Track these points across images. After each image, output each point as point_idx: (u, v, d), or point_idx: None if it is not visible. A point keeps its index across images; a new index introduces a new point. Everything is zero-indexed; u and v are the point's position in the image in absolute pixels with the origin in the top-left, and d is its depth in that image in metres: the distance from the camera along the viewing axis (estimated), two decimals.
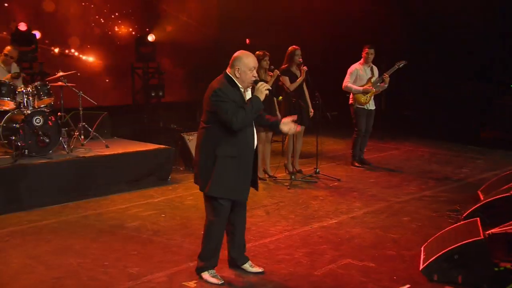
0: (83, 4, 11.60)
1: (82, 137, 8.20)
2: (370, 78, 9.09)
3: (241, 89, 4.42)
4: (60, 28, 11.16)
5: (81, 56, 11.48)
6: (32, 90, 7.52)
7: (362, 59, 9.14)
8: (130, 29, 12.33)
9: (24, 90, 7.44)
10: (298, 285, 4.51)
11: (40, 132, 7.30)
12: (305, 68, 8.31)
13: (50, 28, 10.96)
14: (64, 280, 4.57)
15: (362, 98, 9.06)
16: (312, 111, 8.56)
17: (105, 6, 11.91)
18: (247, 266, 4.75)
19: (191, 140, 9.05)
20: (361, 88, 8.97)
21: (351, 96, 9.18)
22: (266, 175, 8.41)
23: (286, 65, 8.44)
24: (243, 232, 4.76)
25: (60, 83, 8.16)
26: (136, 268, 4.82)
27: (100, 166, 7.54)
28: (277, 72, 8.03)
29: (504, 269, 4.64)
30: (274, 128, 4.77)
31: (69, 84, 8.14)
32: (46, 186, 6.99)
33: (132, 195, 7.40)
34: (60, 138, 7.59)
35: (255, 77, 4.39)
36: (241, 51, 4.49)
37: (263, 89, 4.35)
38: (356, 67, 9.11)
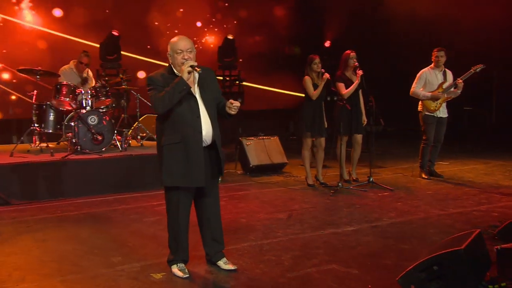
0: (168, 14, 12.15)
1: (139, 137, 8.55)
2: (442, 83, 8.45)
3: (178, 74, 4.24)
4: (145, 36, 11.80)
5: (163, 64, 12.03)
6: (91, 92, 8.02)
7: (432, 63, 8.54)
8: (213, 38, 12.69)
9: (83, 92, 7.96)
10: (261, 285, 4.30)
11: (93, 131, 7.75)
12: (360, 72, 7.95)
13: (135, 36, 11.63)
14: (49, 263, 4.77)
15: (432, 105, 8.45)
16: (365, 120, 8.19)
17: (190, 16, 12.37)
18: (221, 263, 4.61)
19: (249, 145, 9.08)
20: (429, 94, 8.37)
21: (420, 102, 8.61)
22: (317, 182, 8.16)
23: (340, 71, 8.16)
24: (215, 228, 4.61)
25: (122, 86, 8.61)
26: (119, 257, 4.90)
27: (148, 165, 7.80)
28: (327, 75, 7.77)
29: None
30: (224, 114, 4.44)
31: (129, 87, 8.55)
32: (93, 180, 7.39)
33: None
34: (114, 137, 7.99)
35: (184, 59, 4.23)
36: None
37: (185, 68, 4.14)
38: (425, 71, 8.52)
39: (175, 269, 4.48)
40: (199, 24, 12.84)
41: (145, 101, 8.69)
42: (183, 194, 4.39)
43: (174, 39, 4.37)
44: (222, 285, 4.33)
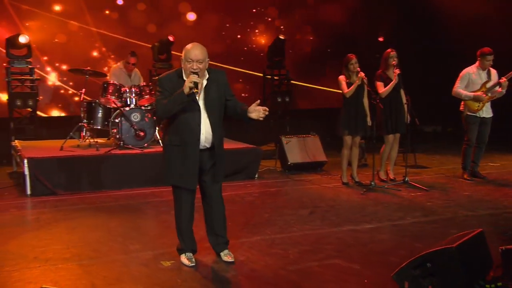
0: (220, 18, 12.48)
1: None
2: (486, 82, 8.23)
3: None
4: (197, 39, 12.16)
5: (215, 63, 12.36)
6: (135, 90, 8.43)
7: (477, 62, 8.32)
8: (264, 37, 12.92)
9: (128, 90, 8.38)
10: (260, 276, 4.46)
11: (136, 127, 8.15)
12: (397, 71, 7.90)
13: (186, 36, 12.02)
14: (72, 248, 5.14)
15: (474, 105, 8.24)
16: (409, 118, 8.10)
17: (241, 18, 12.65)
18: (222, 254, 4.80)
19: (288, 143, 9.21)
20: (471, 94, 8.16)
21: (462, 102, 8.42)
22: (352, 180, 8.17)
23: (380, 70, 8.12)
24: (218, 221, 4.79)
25: None
26: (137, 245, 5.21)
27: None
28: (362, 75, 7.78)
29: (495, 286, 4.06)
30: (245, 119, 4.56)
31: None
32: (133, 174, 7.76)
33: None
34: (156, 133, 8.37)
35: (193, 69, 4.35)
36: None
37: (187, 83, 4.25)
38: (468, 70, 8.28)
39: (183, 257, 4.72)
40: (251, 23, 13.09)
41: None
42: (185, 192, 4.61)
43: (189, 46, 4.48)
44: (223, 274, 4.53)
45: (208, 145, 4.55)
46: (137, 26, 11.64)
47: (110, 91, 8.37)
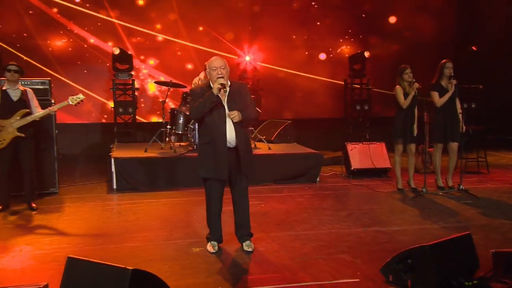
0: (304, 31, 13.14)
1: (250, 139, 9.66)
2: None
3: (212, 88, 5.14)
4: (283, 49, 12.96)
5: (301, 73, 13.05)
6: None
7: None
8: (347, 47, 13.32)
9: None
10: (267, 264, 5.06)
11: None
12: (453, 81, 8.06)
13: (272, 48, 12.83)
14: (124, 233, 6.10)
15: None
16: (465, 127, 8.22)
17: (328, 29, 13.20)
18: (244, 245, 5.47)
19: (353, 149, 9.61)
20: None
21: None
22: (409, 186, 8.42)
23: (435, 80, 8.31)
24: (242, 214, 5.45)
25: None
26: (180, 234, 6.04)
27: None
28: (417, 85, 8.05)
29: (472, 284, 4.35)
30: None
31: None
32: None
33: (267, 188, 8.52)
34: None
35: (219, 74, 5.11)
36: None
37: (216, 84, 5.05)
38: None
39: (208, 245, 5.46)
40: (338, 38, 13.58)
41: (259, 110, 9.81)
42: (214, 185, 5.36)
43: (211, 59, 5.32)
44: (237, 260, 5.20)
45: (233, 144, 5.25)
46: (227, 39, 12.66)
47: (189, 100, 9.32)
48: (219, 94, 5.15)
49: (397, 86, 8.21)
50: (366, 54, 12.29)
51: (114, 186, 8.46)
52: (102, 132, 12.45)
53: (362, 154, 9.60)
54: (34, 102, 7.16)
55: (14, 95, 7.07)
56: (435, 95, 8.18)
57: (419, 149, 9.45)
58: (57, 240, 5.85)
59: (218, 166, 5.22)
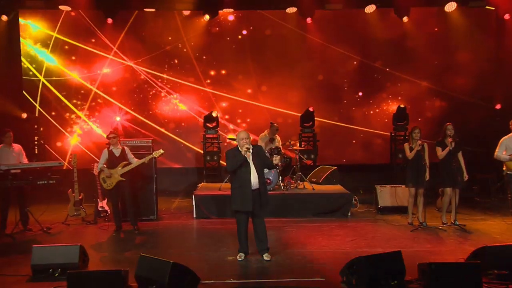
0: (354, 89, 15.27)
1: (299, 181, 11.93)
2: None
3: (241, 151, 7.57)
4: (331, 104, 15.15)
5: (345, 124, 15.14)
6: (267, 151, 11.73)
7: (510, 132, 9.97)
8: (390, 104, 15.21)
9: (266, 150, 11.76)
10: (277, 265, 7.34)
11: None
12: (450, 139, 9.85)
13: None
14: (173, 247, 8.67)
15: None
16: (467, 176, 9.95)
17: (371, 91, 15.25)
18: (264, 255, 7.75)
19: (381, 191, 11.54)
20: (507, 156, 9.74)
21: (504, 163, 10.03)
22: (418, 221, 10.19)
23: (440, 138, 10.12)
24: (261, 234, 7.74)
25: (289, 148, 12.14)
26: (225, 248, 8.39)
27: (294, 199, 11.15)
28: (419, 142, 9.93)
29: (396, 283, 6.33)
30: (269, 168, 8.26)
31: (295, 148, 12.05)
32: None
33: (306, 219, 10.66)
34: (277, 181, 11.55)
35: (244, 143, 7.52)
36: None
37: (243, 149, 7.50)
38: (505, 138, 9.92)
39: (238, 255, 7.84)
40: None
41: (304, 159, 12.08)
42: (242, 215, 7.76)
43: (239, 131, 7.82)
44: (253, 264, 7.53)
45: (256, 186, 7.63)
46: (287, 100, 15.12)
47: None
48: (245, 155, 7.62)
49: (405, 144, 10.21)
50: (402, 105, 14.16)
51: (194, 215, 11.11)
52: (197, 174, 15.27)
53: (389, 194, 11.46)
54: (130, 155, 10.05)
55: (116, 152, 9.98)
56: (438, 149, 10.00)
57: (440, 192, 11.19)
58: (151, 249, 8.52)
59: (245, 202, 7.61)
